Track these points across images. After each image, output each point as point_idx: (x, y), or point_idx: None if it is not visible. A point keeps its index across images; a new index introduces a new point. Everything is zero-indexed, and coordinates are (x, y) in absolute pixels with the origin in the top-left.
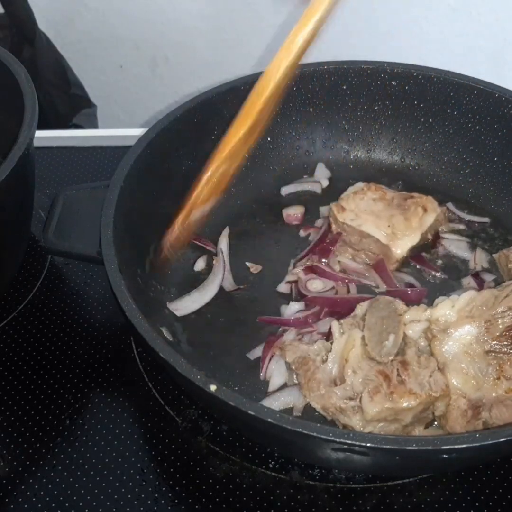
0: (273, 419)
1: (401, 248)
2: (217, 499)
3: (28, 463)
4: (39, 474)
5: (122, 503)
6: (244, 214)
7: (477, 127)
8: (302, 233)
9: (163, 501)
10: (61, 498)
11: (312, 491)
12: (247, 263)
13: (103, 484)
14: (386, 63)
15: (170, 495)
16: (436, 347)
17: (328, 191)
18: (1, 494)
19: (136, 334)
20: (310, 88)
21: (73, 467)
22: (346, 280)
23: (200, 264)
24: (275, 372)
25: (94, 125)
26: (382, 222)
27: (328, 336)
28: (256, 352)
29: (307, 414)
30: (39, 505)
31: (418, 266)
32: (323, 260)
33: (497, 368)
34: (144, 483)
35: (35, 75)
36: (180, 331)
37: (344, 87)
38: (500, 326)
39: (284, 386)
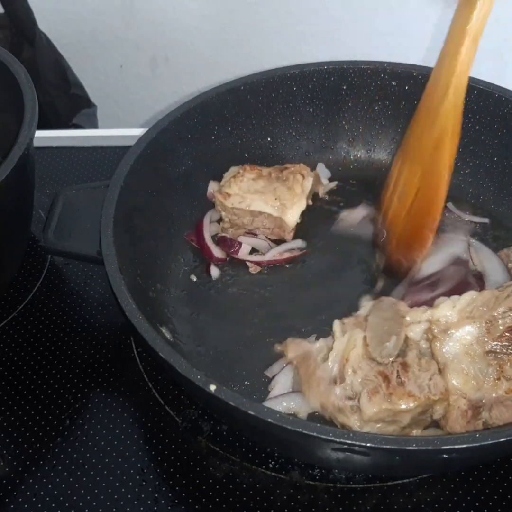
0: (273, 419)
1: (292, 215)
2: (217, 499)
3: (28, 463)
4: (39, 474)
5: (122, 503)
6: None
7: (477, 127)
8: None
9: (163, 501)
10: (61, 498)
11: (312, 491)
12: (247, 263)
13: (103, 484)
14: (386, 63)
15: (170, 495)
16: (436, 348)
17: (328, 191)
18: (1, 494)
19: (136, 334)
20: (310, 88)
21: (73, 467)
22: None
23: (215, 272)
24: (280, 382)
25: (94, 125)
26: (268, 197)
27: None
28: (274, 369)
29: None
30: (39, 505)
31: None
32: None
33: (497, 368)
34: (144, 483)
35: (35, 75)
36: (180, 331)
37: (344, 87)
38: (501, 327)
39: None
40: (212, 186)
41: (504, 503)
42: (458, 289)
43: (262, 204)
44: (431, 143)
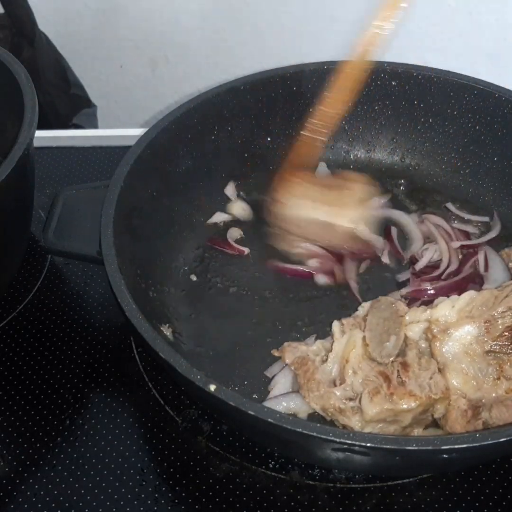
0: (273, 419)
1: (350, 223)
2: (217, 499)
3: (28, 463)
4: (39, 474)
5: (122, 503)
6: None
7: (477, 127)
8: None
9: (163, 501)
10: (61, 498)
11: (312, 491)
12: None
13: (103, 484)
14: (386, 63)
15: (170, 495)
16: (436, 348)
17: None
18: (1, 494)
19: (136, 334)
20: (310, 88)
21: (73, 467)
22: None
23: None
24: (280, 382)
25: (94, 125)
26: (324, 205)
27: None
28: (273, 369)
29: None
30: (39, 505)
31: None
32: None
33: (497, 368)
34: (144, 483)
35: (35, 75)
36: (180, 331)
37: None
38: (500, 326)
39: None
40: (230, 188)
41: (504, 503)
42: (461, 284)
43: (319, 212)
44: None
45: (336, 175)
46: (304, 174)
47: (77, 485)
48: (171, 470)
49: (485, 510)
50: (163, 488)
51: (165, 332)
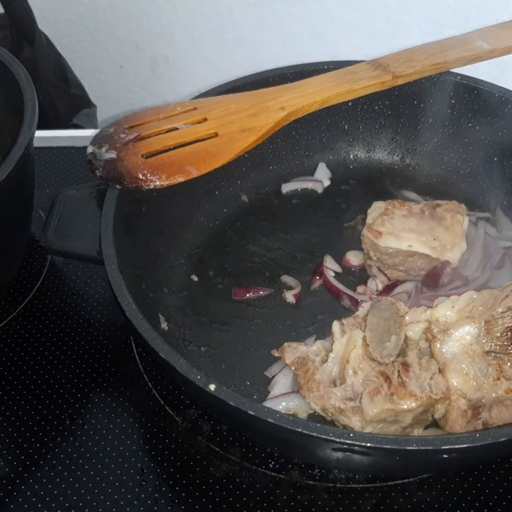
0: (273, 419)
1: (453, 259)
2: (217, 499)
3: (28, 463)
4: (39, 474)
5: (122, 503)
6: (244, 213)
7: (477, 127)
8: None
9: (163, 501)
10: (61, 498)
11: (312, 491)
12: (247, 263)
13: (103, 484)
14: None
15: (170, 495)
16: (436, 348)
17: (328, 191)
18: (1, 494)
19: (136, 334)
20: None
21: (73, 467)
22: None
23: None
24: (280, 382)
25: (94, 125)
26: (426, 237)
27: None
28: (273, 369)
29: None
30: (39, 505)
31: None
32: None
33: (497, 368)
34: (144, 483)
35: (35, 75)
36: (180, 331)
37: None
38: (500, 327)
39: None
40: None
41: (504, 503)
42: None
43: (419, 244)
44: (240, 125)
45: (432, 203)
46: (400, 203)
47: (77, 485)
48: (171, 470)
49: (485, 510)
50: (163, 488)
51: (161, 325)
